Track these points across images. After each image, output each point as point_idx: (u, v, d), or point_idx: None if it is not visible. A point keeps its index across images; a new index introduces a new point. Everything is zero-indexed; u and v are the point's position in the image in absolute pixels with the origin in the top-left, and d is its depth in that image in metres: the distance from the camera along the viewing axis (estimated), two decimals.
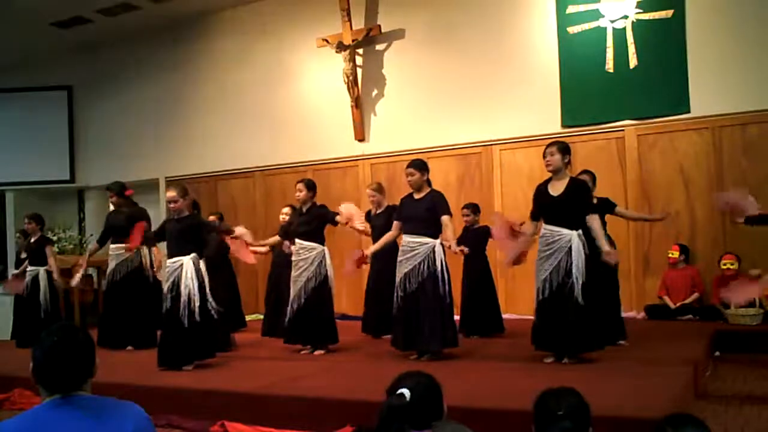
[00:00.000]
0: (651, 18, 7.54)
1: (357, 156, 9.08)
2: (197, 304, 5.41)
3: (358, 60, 9.14)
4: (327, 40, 9.09)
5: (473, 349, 5.83)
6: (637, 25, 7.59)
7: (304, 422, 4.03)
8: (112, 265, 6.86)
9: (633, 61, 7.60)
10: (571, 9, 7.92)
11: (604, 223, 5.68)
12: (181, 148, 10.54)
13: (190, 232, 5.58)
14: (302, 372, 5.08)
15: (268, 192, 9.90)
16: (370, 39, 9.01)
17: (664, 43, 7.48)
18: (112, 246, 6.90)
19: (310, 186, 6.11)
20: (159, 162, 10.66)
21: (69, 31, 10.59)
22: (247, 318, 8.94)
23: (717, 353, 5.90)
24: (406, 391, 2.12)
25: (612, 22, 7.72)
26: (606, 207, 5.86)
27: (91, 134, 11.51)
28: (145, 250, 6.84)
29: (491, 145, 8.37)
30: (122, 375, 5.15)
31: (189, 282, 5.41)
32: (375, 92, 9.15)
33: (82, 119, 11.60)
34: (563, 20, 7.97)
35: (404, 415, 2.08)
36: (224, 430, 4.18)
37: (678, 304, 7.11)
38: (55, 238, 10.39)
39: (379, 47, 9.13)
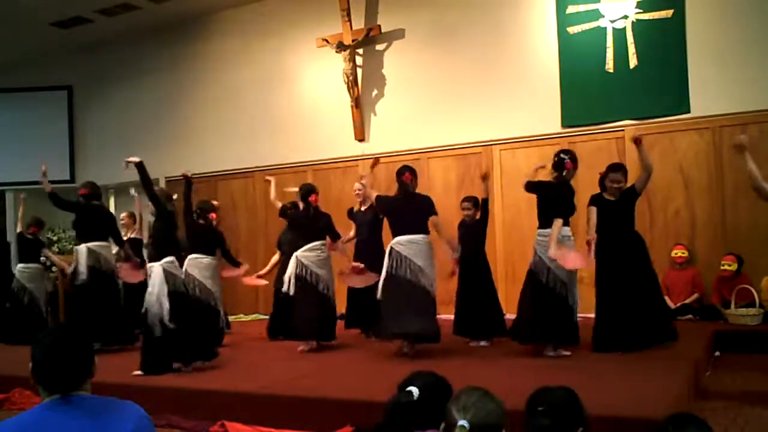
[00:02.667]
0: (651, 18, 7.54)
1: (357, 156, 9.06)
2: (165, 311, 5.24)
3: (358, 60, 9.13)
4: (327, 40, 9.09)
5: (474, 349, 5.84)
6: (637, 25, 7.59)
7: (304, 422, 4.03)
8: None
9: (633, 61, 7.60)
10: (571, 9, 7.92)
11: (632, 217, 5.67)
12: (181, 148, 10.53)
13: (161, 230, 5.56)
14: (302, 372, 5.08)
15: (267, 192, 9.86)
16: (370, 39, 9.01)
17: (664, 43, 7.48)
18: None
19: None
20: (159, 162, 10.59)
21: (69, 31, 10.59)
22: (247, 318, 8.95)
23: (717, 353, 5.89)
24: (414, 389, 2.12)
25: (612, 22, 7.72)
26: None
27: (91, 134, 11.51)
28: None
29: (491, 145, 8.37)
30: (122, 375, 5.14)
31: (156, 290, 5.28)
32: (375, 92, 9.15)
33: (82, 119, 11.60)
34: (563, 20, 7.97)
35: (410, 412, 2.07)
36: (224, 430, 4.17)
37: (678, 304, 7.11)
38: (55, 238, 10.42)
39: (379, 47, 9.13)
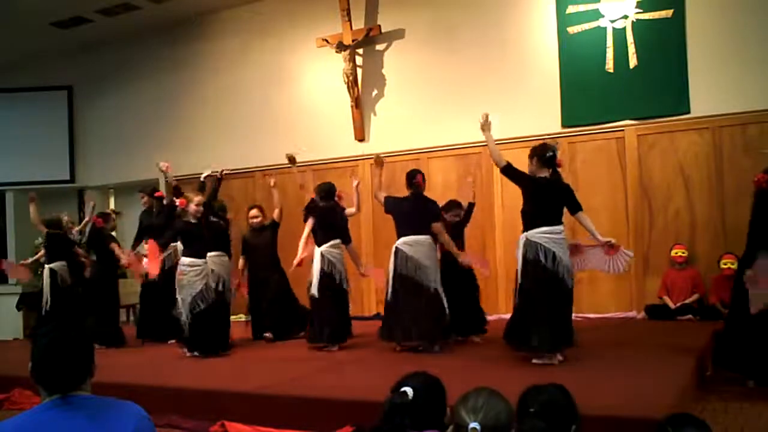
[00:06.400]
0: (651, 18, 7.53)
1: (357, 156, 9.07)
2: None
3: (358, 60, 9.13)
4: (327, 40, 9.09)
5: (473, 349, 5.84)
6: (637, 25, 7.59)
7: (304, 422, 4.03)
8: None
9: (633, 61, 7.60)
10: (571, 9, 7.92)
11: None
12: (181, 148, 10.51)
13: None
14: (302, 372, 5.08)
15: (268, 192, 9.86)
16: (370, 39, 9.00)
17: (664, 43, 7.48)
18: (146, 245, 7.21)
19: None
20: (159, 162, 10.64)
21: (69, 31, 10.58)
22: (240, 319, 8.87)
23: None
24: (409, 390, 2.12)
25: (612, 22, 7.72)
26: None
27: (91, 134, 11.50)
28: (179, 247, 6.82)
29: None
30: (122, 375, 5.15)
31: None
32: (375, 92, 9.14)
33: (82, 119, 11.59)
34: (563, 20, 7.97)
35: (406, 412, 2.07)
36: (224, 430, 4.17)
37: (678, 304, 7.11)
38: None
39: (379, 47, 9.13)
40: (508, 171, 5.17)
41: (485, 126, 5.33)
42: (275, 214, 7.15)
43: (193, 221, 6.19)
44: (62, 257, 7.72)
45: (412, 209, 5.85)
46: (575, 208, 5.12)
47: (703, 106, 7.29)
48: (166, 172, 7.23)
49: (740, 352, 4.72)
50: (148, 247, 6.56)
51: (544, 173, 5.06)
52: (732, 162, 7.22)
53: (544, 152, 5.08)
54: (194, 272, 6.10)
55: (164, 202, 7.55)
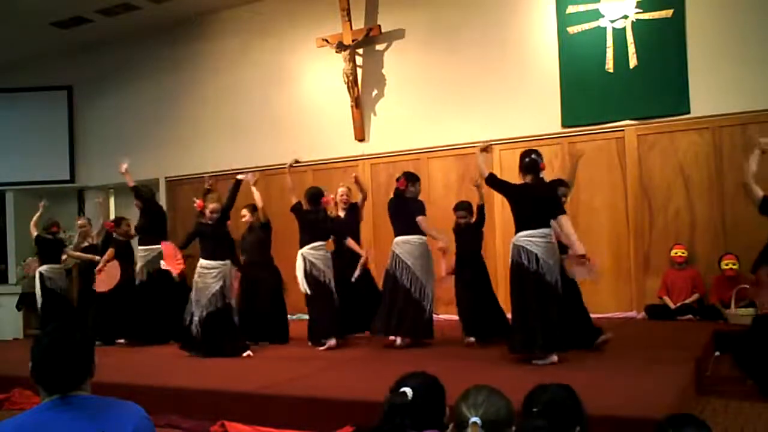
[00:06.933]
0: (651, 18, 7.54)
1: (357, 156, 9.07)
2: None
3: (358, 60, 9.13)
4: (327, 40, 9.10)
5: (474, 349, 5.84)
6: (637, 25, 7.59)
7: (304, 422, 4.03)
8: (139, 265, 7.26)
9: (633, 61, 7.60)
10: (571, 9, 7.92)
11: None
12: (181, 148, 10.53)
13: None
14: (302, 372, 5.07)
15: (268, 192, 9.86)
16: (370, 39, 9.01)
17: (664, 43, 7.48)
18: (140, 247, 7.31)
19: None
20: (159, 162, 10.66)
21: (69, 31, 10.59)
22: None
23: (717, 353, 5.89)
24: (408, 390, 2.12)
25: (612, 22, 7.72)
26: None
27: (91, 134, 11.50)
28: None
29: (491, 144, 8.33)
30: (122, 375, 5.15)
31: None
32: (375, 92, 9.15)
33: (82, 119, 11.59)
34: (563, 20, 7.97)
35: (405, 413, 2.08)
36: (224, 430, 4.17)
37: (678, 304, 7.11)
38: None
39: (379, 47, 9.13)
40: (491, 181, 5.34)
41: (485, 150, 5.66)
42: (259, 213, 7.07)
43: (209, 223, 6.21)
44: (51, 260, 7.84)
45: (394, 211, 6.18)
46: (557, 212, 5.12)
47: (703, 106, 7.30)
48: (125, 175, 7.51)
49: (755, 355, 4.64)
50: (163, 250, 6.56)
51: (528, 179, 5.18)
52: (732, 162, 7.22)
53: (522, 159, 5.25)
54: (210, 275, 6.10)
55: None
